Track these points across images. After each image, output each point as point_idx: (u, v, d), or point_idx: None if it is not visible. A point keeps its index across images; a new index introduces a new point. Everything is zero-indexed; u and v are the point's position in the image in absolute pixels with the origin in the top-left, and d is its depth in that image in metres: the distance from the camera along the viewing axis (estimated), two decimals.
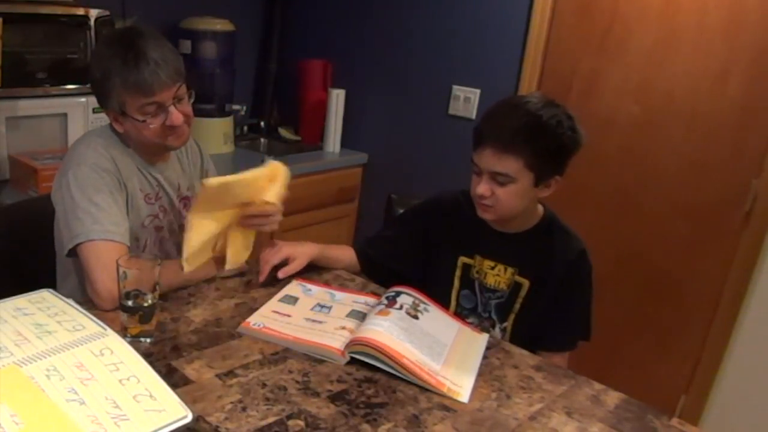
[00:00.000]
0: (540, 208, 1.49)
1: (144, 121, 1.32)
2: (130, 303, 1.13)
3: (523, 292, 1.47)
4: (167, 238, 1.51)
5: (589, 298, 1.51)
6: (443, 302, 1.52)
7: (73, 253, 1.31)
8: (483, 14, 2.52)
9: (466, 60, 2.60)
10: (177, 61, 1.34)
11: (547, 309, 1.47)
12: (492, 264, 1.49)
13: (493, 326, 1.51)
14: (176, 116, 1.33)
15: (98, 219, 1.29)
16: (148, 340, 1.16)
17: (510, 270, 1.47)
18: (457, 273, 1.53)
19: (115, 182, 1.35)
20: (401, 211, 1.88)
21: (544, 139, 1.31)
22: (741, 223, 2.11)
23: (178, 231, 1.54)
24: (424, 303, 1.33)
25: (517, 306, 1.49)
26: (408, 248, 1.58)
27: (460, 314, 1.52)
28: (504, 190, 1.35)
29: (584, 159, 2.34)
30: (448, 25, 2.62)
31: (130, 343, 1.02)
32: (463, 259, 1.52)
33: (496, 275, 1.48)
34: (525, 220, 1.47)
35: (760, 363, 2.10)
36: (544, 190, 1.39)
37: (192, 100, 1.40)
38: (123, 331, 1.13)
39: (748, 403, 2.13)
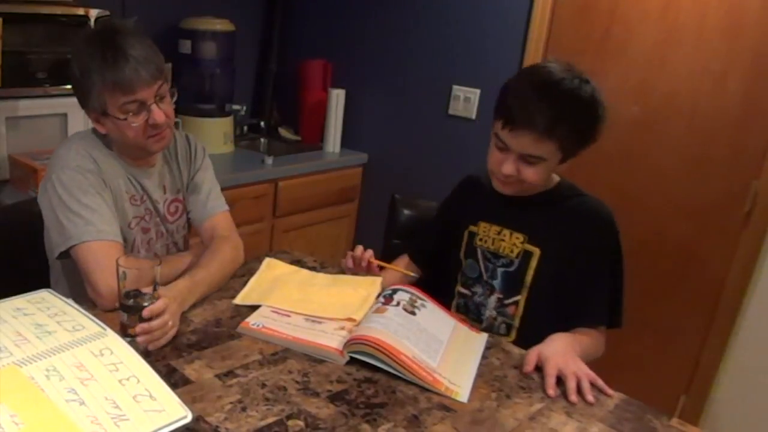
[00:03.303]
0: (554, 175, 1.44)
1: (125, 119, 1.29)
2: (130, 302, 1.13)
3: (534, 262, 1.40)
4: (155, 240, 1.50)
5: (621, 272, 1.42)
6: (454, 276, 1.51)
7: (64, 255, 1.31)
8: (483, 14, 2.52)
9: (466, 60, 2.59)
10: (158, 58, 1.32)
11: (577, 283, 1.39)
12: (498, 229, 1.44)
13: (491, 294, 1.46)
14: (158, 114, 1.31)
15: (90, 220, 1.29)
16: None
17: (516, 236, 1.42)
18: (464, 242, 1.50)
19: (100, 182, 1.34)
20: (405, 211, 1.88)
21: (584, 121, 1.28)
22: (741, 223, 2.11)
23: (166, 234, 1.53)
24: (422, 299, 1.33)
25: (529, 278, 1.41)
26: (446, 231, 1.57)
27: (466, 284, 1.49)
28: (532, 169, 1.31)
29: (584, 159, 2.36)
30: (448, 25, 2.62)
31: (130, 343, 1.02)
32: (469, 228, 1.49)
33: (501, 240, 1.44)
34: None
35: (760, 363, 2.10)
36: (565, 165, 1.36)
37: (175, 99, 1.38)
38: (123, 331, 1.13)
39: (748, 403, 2.13)
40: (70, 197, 1.30)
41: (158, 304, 1.13)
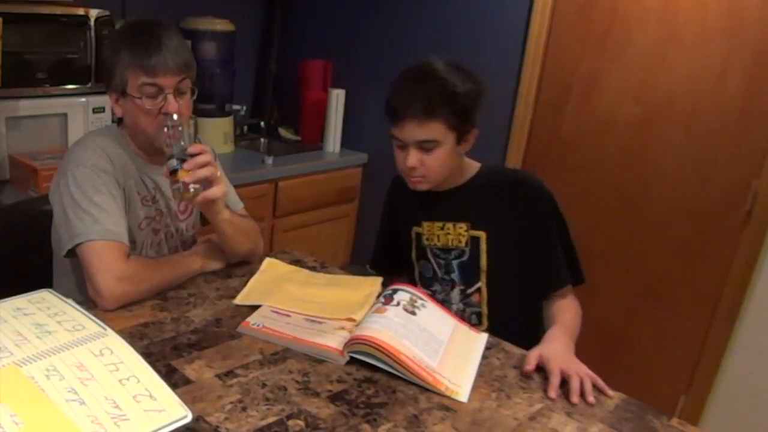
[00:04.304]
0: (474, 162, 1.52)
1: (140, 98, 1.31)
2: (179, 147, 1.27)
3: (483, 246, 1.46)
4: (164, 241, 1.51)
5: (567, 231, 1.48)
6: (411, 278, 1.57)
7: (72, 253, 1.31)
8: (483, 14, 2.52)
9: (466, 60, 2.57)
10: (189, 56, 1.36)
11: (531, 255, 1.45)
12: (441, 225, 1.50)
13: (452, 288, 1.51)
14: (173, 105, 1.32)
15: (99, 219, 1.29)
16: (200, 186, 1.28)
17: (460, 225, 1.48)
18: (413, 245, 1.56)
19: (114, 183, 1.36)
20: None
21: (458, 98, 1.36)
22: (741, 223, 2.11)
23: (175, 235, 1.54)
24: (422, 299, 1.33)
25: (484, 262, 1.47)
26: (396, 236, 1.63)
27: (424, 285, 1.54)
28: (432, 156, 1.38)
29: (584, 159, 2.37)
30: (448, 25, 2.62)
31: (175, 193, 1.28)
32: (415, 230, 1.55)
33: (447, 234, 1.49)
34: (457, 175, 1.48)
35: (760, 363, 2.10)
36: (465, 145, 1.43)
37: (194, 98, 1.40)
38: (171, 177, 1.26)
39: (748, 403, 2.13)
40: (82, 195, 1.30)
41: (202, 145, 1.30)
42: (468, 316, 1.49)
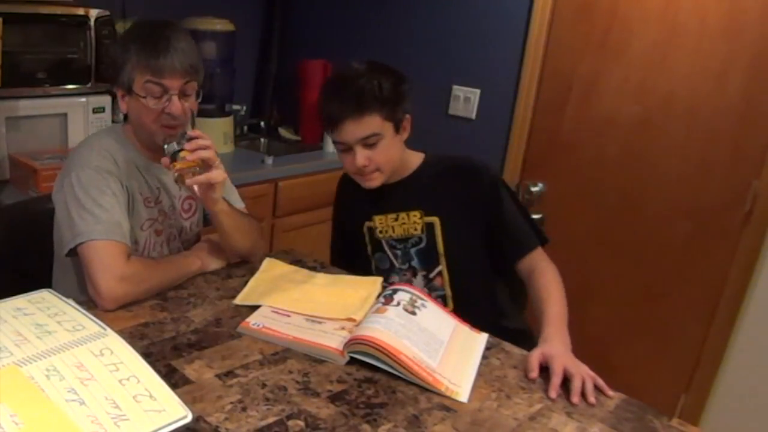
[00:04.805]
0: (417, 153, 1.58)
1: (145, 97, 1.32)
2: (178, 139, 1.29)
3: (438, 230, 1.51)
4: (166, 242, 1.51)
5: (518, 200, 1.56)
6: (366, 272, 1.60)
7: (73, 252, 1.31)
8: (483, 14, 2.51)
9: (466, 60, 2.59)
10: (197, 59, 1.37)
11: (490, 230, 1.51)
12: (394, 216, 1.54)
13: (415, 275, 1.55)
14: (176, 106, 1.33)
15: (101, 219, 1.29)
16: (200, 170, 1.29)
17: (414, 214, 1.52)
18: (366, 239, 1.60)
19: (117, 184, 1.36)
20: None
21: (384, 89, 1.42)
22: (741, 223, 2.10)
23: (178, 236, 1.54)
24: (422, 299, 1.33)
25: (441, 246, 1.51)
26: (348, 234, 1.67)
27: (381, 276, 1.56)
28: (377, 150, 1.43)
29: (584, 159, 2.37)
30: (448, 25, 2.62)
31: (178, 179, 1.28)
32: (366, 225, 1.59)
33: (402, 224, 1.54)
34: (403, 167, 1.54)
35: (760, 363, 2.10)
36: (404, 133, 1.49)
37: (199, 101, 1.41)
38: (171, 161, 1.27)
39: (748, 403, 2.13)
40: (86, 196, 1.31)
41: (201, 132, 1.32)
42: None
